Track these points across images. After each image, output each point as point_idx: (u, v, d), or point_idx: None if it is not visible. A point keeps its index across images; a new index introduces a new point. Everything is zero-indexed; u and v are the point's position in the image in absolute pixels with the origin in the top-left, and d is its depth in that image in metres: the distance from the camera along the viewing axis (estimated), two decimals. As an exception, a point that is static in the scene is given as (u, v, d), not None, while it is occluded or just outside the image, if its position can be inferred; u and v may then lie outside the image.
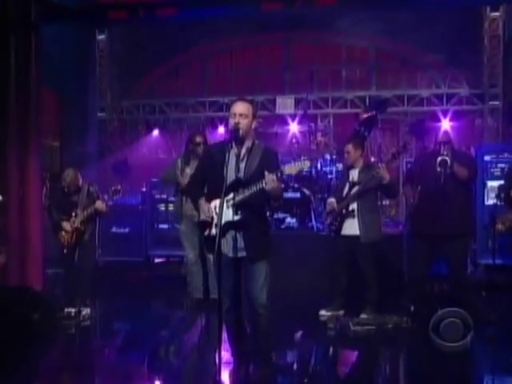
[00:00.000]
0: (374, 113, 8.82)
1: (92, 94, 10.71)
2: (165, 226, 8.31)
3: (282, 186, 3.53)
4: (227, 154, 3.57)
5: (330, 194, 6.18)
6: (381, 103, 9.52)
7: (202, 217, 3.76)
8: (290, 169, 3.52)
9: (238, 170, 3.71)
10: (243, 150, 3.76)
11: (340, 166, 7.83)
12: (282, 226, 7.57)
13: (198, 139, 6.08)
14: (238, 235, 3.73)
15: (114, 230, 8.20)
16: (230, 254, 3.74)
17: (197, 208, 3.86)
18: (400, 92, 9.98)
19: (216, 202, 3.66)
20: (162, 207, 8.37)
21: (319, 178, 8.19)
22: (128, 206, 8.37)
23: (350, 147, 5.70)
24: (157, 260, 8.47)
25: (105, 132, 10.94)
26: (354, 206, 5.53)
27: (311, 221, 7.59)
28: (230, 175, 3.65)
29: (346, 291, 5.67)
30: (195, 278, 6.18)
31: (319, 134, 9.13)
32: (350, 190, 5.61)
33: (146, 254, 8.31)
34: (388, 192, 5.74)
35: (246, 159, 3.75)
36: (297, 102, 10.06)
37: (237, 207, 3.68)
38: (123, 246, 8.07)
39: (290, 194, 7.59)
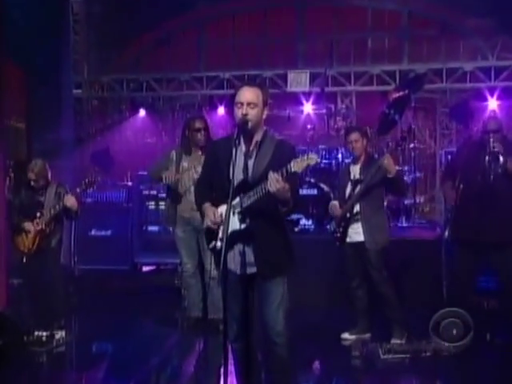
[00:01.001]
0: (406, 92, 8.75)
1: (65, 68, 10.60)
2: (155, 228, 8.32)
3: (287, 187, 3.46)
4: (234, 152, 3.51)
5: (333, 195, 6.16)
6: (415, 79, 9.47)
7: (207, 223, 3.72)
8: (297, 165, 3.47)
9: (246, 169, 3.66)
10: (252, 146, 3.71)
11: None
12: (296, 229, 7.55)
13: (198, 124, 6.01)
14: (246, 248, 3.68)
15: (93, 232, 8.22)
16: (238, 271, 3.70)
17: (202, 213, 3.82)
18: (438, 65, 9.88)
19: (223, 208, 3.61)
20: (152, 205, 8.38)
21: (340, 171, 8.12)
22: (110, 204, 8.39)
23: (357, 136, 5.64)
24: (145, 268, 8.50)
25: (81, 113, 10.90)
26: (357, 207, 5.52)
27: (330, 222, 7.52)
28: (237, 176, 3.60)
29: (370, 309, 5.64)
30: (193, 292, 6.16)
31: (339, 118, 9.05)
32: (353, 189, 5.59)
33: (133, 262, 8.33)
34: (395, 188, 5.68)
35: (254, 156, 3.70)
36: (312, 78, 9.99)
37: (243, 214, 3.63)
38: (105, 252, 8.08)
39: (305, 191, 7.56)
